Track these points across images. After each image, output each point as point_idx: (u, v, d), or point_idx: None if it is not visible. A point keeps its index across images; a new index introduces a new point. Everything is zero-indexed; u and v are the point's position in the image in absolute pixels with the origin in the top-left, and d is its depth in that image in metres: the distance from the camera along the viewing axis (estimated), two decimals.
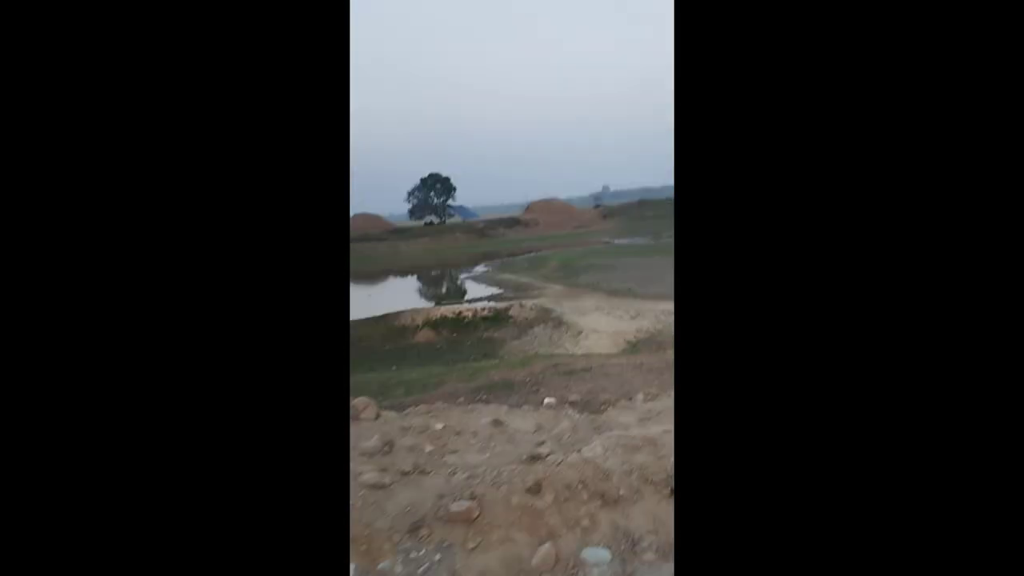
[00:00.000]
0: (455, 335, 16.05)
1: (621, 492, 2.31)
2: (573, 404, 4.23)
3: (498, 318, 16.81)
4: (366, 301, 24.34)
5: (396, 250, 46.54)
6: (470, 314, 17.16)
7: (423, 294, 28.12)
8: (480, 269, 34.61)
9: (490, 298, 22.23)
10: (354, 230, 55.37)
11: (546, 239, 44.77)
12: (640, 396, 3.89)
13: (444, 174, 60.54)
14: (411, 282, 34.17)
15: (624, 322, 13.51)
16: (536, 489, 2.26)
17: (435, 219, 59.91)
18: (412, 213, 61.56)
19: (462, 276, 32.70)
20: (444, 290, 29.77)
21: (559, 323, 15.01)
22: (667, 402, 3.56)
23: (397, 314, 17.47)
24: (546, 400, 4.43)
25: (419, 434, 2.95)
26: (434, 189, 60.29)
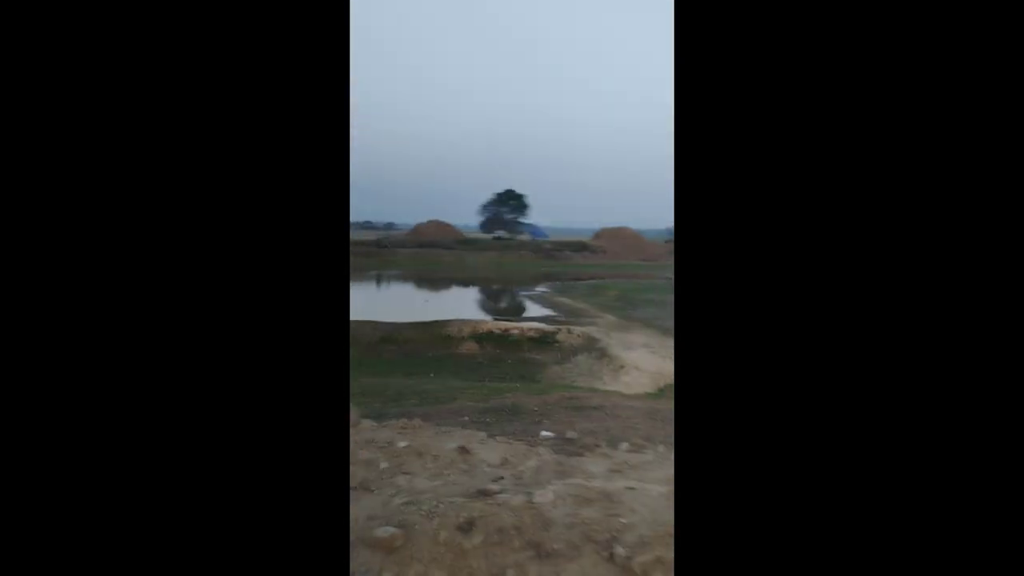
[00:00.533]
0: (498, 351, 16.02)
1: (557, 546, 2.17)
2: (569, 441, 4.08)
3: (544, 340, 16.66)
4: (422, 306, 24.86)
5: (462, 260, 47.28)
6: (516, 332, 17.10)
7: (481, 306, 28.37)
8: (540, 289, 34.58)
9: (542, 319, 22.12)
10: (424, 236, 56.76)
11: (611, 267, 44.25)
12: (625, 445, 3.69)
13: (520, 191, 61.29)
14: (471, 293, 34.57)
15: (668, 363, 13.05)
16: (467, 527, 2.16)
17: (504, 234, 60.55)
18: (484, 226, 62.53)
19: (521, 293, 32.79)
20: (502, 305, 29.94)
21: (603, 354, 14.69)
22: (648, 456, 3.36)
23: (446, 323, 17.62)
24: (543, 433, 4.31)
25: (380, 449, 2.92)
26: (508, 205, 61.08)
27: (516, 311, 26.44)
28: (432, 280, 38.27)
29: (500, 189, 61.33)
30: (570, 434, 4.26)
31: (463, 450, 3.01)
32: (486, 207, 61.82)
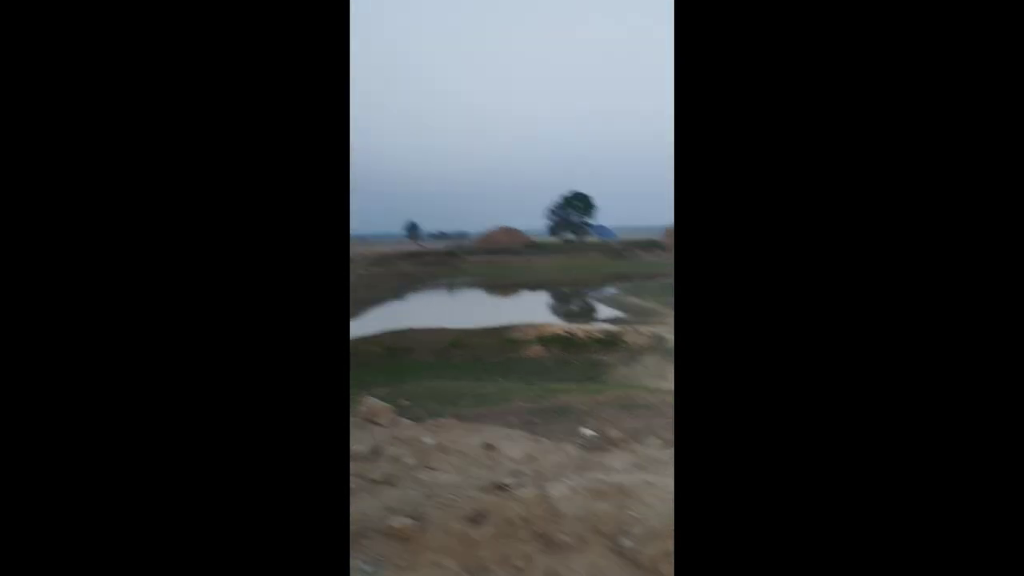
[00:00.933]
0: (564, 354, 15.98)
1: (565, 538, 2.19)
2: (608, 439, 4.06)
3: (611, 342, 16.46)
4: (491, 311, 25.17)
5: (531, 264, 47.49)
6: (583, 335, 16.98)
7: (549, 309, 28.37)
8: (609, 290, 34.15)
9: (610, 320, 21.83)
10: (494, 243, 57.47)
11: None
12: (654, 441, 3.62)
13: (586, 192, 60.77)
14: (540, 297, 34.64)
15: None
16: (479, 519, 2.23)
17: (573, 236, 60.23)
18: (551, 230, 62.47)
19: (590, 295, 32.52)
20: (571, 307, 29.82)
21: (669, 354, 14.33)
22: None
23: (512, 327, 17.77)
24: (583, 431, 4.30)
25: (408, 446, 3.03)
26: (574, 207, 60.70)
27: (584, 313, 26.25)
28: (501, 286, 38.64)
29: (567, 191, 61.06)
30: (612, 432, 4.22)
31: (488, 447, 3.08)
32: (553, 211, 61.72)
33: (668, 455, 3.25)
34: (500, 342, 16.78)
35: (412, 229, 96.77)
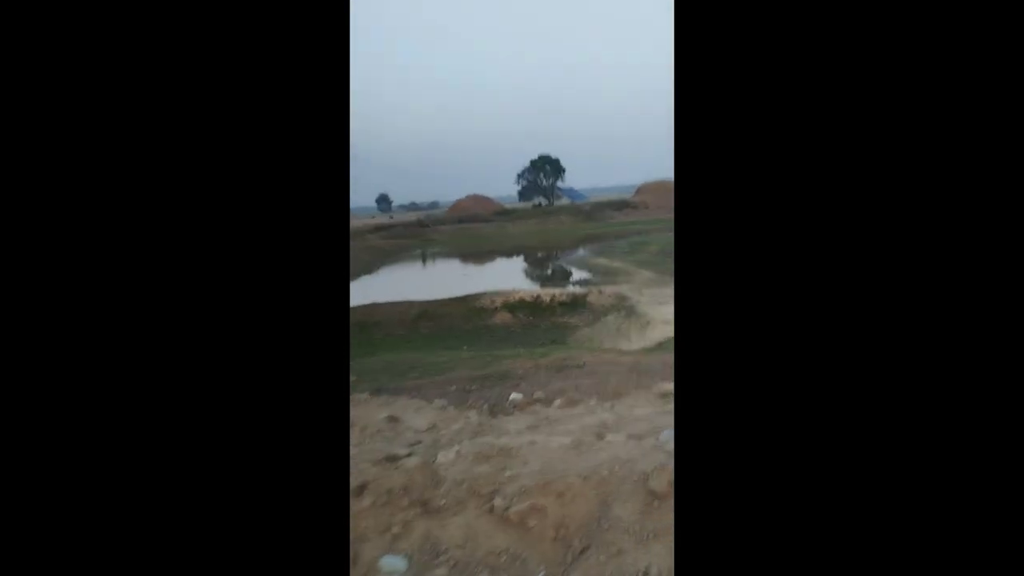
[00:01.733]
0: (531, 319, 16.15)
1: (443, 502, 2.27)
2: (539, 401, 4.16)
3: (575, 304, 16.65)
4: (461, 280, 25.18)
5: (503, 231, 47.31)
6: (547, 299, 17.13)
7: (520, 275, 28.46)
8: (580, 252, 34.29)
9: (578, 283, 22.00)
10: (463, 211, 57.04)
11: (653, 222, 43.28)
12: (558, 401, 3.72)
13: (555, 155, 60.38)
14: (511, 263, 34.70)
15: None
16: (359, 491, 2.29)
17: (543, 201, 60.08)
18: (522, 195, 62.22)
19: (560, 259, 32.66)
20: (541, 272, 29.94)
21: (631, 312, 14.55)
22: (577, 410, 3.39)
23: (479, 295, 17.83)
24: (512, 395, 4.41)
25: None
26: (543, 171, 60.40)
27: (555, 277, 26.40)
28: (472, 254, 38.57)
29: (535, 155, 60.62)
30: (537, 394, 4.33)
31: (392, 419, 3.14)
32: (522, 176, 61.39)
33: (567, 414, 3.35)
34: (468, 311, 16.85)
35: (382, 201, 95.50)
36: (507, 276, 26.38)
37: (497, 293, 17.89)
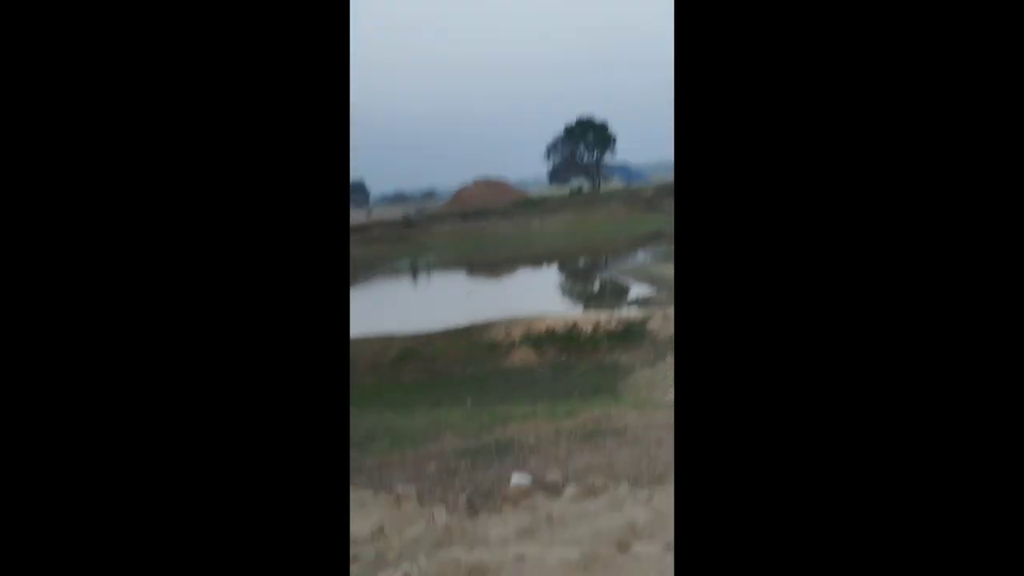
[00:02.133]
0: (564, 357, 15.98)
1: None
2: (550, 486, 4.06)
3: (629, 334, 16.43)
4: (463, 303, 25.12)
5: (526, 230, 47.29)
6: (589, 327, 16.95)
7: (550, 294, 28.26)
8: (639, 257, 34.14)
9: (637, 302, 21.85)
10: (469, 203, 57.16)
11: None
12: (572, 489, 3.61)
13: (598, 119, 59.84)
14: (544, 276, 34.49)
15: None
16: None
17: (585, 184, 59.95)
18: (553, 176, 62.21)
19: (610, 268, 32.50)
20: (582, 288, 29.87)
21: None
22: (597, 503, 3.26)
23: (488, 325, 17.76)
24: (515, 478, 4.30)
25: None
26: (585, 141, 59.94)
27: (603, 295, 26.26)
28: (482, 264, 38.67)
29: (571, 121, 60.09)
30: (551, 477, 4.22)
31: None
32: (554, 150, 61.13)
33: (580, 510, 3.24)
34: (471, 348, 16.75)
35: (355, 192, 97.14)
36: (532, 295, 26.01)
37: (515, 321, 17.76)
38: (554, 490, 3.75)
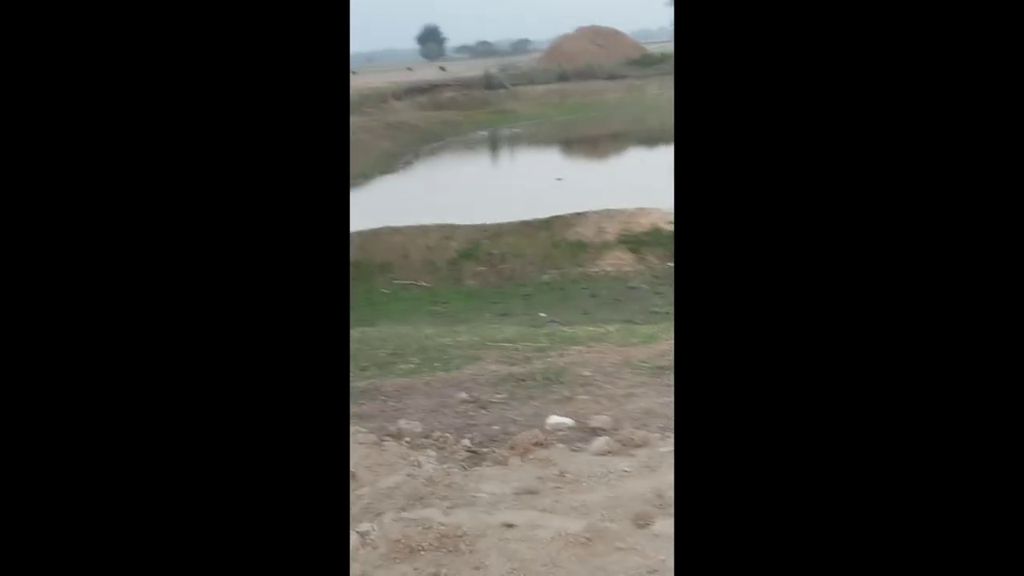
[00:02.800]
0: (668, 264, 15.77)
1: None
2: (588, 431, 4.06)
3: None
4: (550, 189, 24.87)
5: (641, 94, 46.06)
6: None
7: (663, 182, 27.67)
8: None
9: None
10: (570, 59, 56.01)
11: None
12: (602, 441, 3.55)
13: None
14: (660, 156, 33.45)
15: None
16: None
17: None
18: None
19: None
20: None
21: None
22: (634, 460, 3.22)
23: (577, 217, 17.52)
24: (551, 419, 4.28)
25: None
26: None
27: None
28: (581, 140, 38.11)
29: None
30: (597, 421, 4.19)
31: None
32: None
33: (605, 464, 3.23)
34: (552, 246, 16.61)
35: (428, 40, 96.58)
36: (639, 183, 25.24)
37: (611, 214, 17.44)
38: (582, 439, 3.74)
